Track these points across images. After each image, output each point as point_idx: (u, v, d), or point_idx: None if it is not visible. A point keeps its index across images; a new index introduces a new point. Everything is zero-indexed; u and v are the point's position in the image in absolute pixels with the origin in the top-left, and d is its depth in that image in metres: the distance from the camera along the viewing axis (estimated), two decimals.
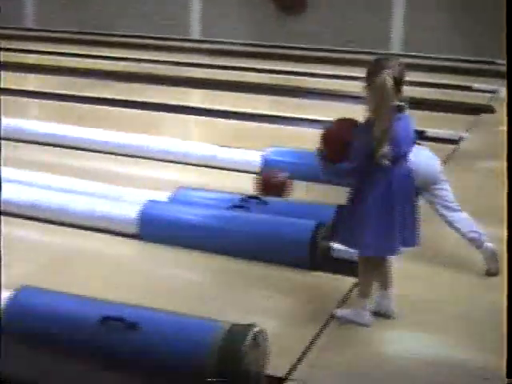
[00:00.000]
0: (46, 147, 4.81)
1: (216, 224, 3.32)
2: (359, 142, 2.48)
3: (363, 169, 2.50)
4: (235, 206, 3.44)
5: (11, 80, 7.21)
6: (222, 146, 4.70)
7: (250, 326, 2.24)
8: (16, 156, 4.54)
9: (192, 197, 3.61)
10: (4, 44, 9.49)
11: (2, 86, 6.08)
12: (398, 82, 2.48)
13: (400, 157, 2.52)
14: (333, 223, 3.10)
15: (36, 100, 6.61)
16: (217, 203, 3.51)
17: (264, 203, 3.45)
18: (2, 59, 8.18)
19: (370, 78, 2.49)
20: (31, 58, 8.66)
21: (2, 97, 6.41)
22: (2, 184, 3.73)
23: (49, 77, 7.63)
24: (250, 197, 3.51)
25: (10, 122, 5.11)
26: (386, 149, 2.43)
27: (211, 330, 2.23)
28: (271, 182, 3.84)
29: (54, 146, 4.83)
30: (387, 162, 2.45)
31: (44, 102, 6.51)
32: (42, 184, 3.84)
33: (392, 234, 2.55)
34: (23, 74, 7.69)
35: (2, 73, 7.52)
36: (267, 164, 4.27)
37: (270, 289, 2.98)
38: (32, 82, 7.58)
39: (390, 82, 2.43)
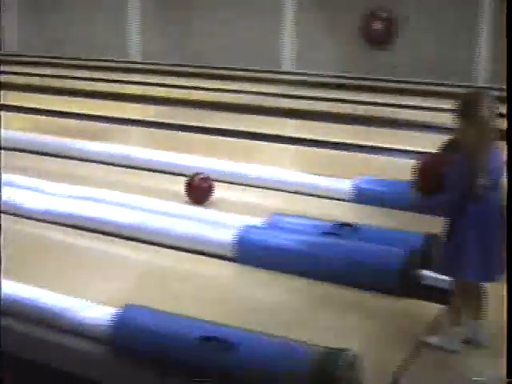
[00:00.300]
0: (151, 173, 4.91)
1: (309, 250, 3.31)
2: (456, 174, 2.45)
3: (459, 199, 2.48)
4: (327, 233, 3.45)
5: (117, 108, 7.43)
6: (313, 174, 4.71)
7: (344, 350, 2.22)
8: (123, 181, 4.69)
9: (285, 223, 3.62)
10: (111, 75, 9.82)
11: (112, 115, 6.27)
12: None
13: (494, 186, 2.49)
14: (427, 251, 3.08)
15: (141, 128, 6.76)
16: (309, 229, 3.51)
17: (355, 230, 3.45)
18: (108, 90, 8.46)
19: (466, 111, 2.46)
20: (137, 89, 8.86)
21: (112, 125, 6.63)
22: (114, 208, 3.85)
23: (154, 107, 7.80)
24: (342, 224, 3.50)
25: (118, 149, 5.28)
26: (483, 180, 2.40)
27: (306, 353, 2.23)
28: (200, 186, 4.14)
29: (158, 171, 4.92)
30: (484, 192, 2.42)
31: (149, 130, 6.65)
32: (146, 207, 3.93)
33: (491, 260, 2.51)
34: (129, 103, 7.89)
35: (111, 102, 7.75)
36: (358, 192, 4.27)
37: (360, 314, 2.95)
38: (137, 110, 7.75)
39: (493, 116, 2.40)
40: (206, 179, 4.21)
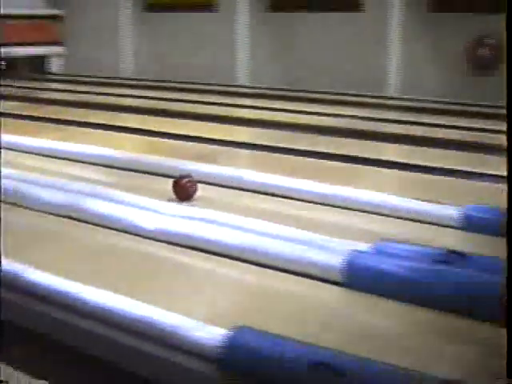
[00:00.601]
0: (260, 195, 4.89)
1: (418, 276, 3.19)
2: None
3: None
4: (437, 260, 3.33)
5: (226, 131, 7.49)
6: (418, 200, 4.58)
7: (459, 382, 2.12)
8: (232, 202, 4.70)
9: (393, 248, 3.54)
10: (220, 99, 9.93)
11: (221, 138, 6.31)
12: None
13: None
14: None
15: (249, 151, 6.77)
16: (418, 256, 3.40)
17: (464, 258, 3.31)
18: (217, 113, 8.55)
19: None
20: (245, 113, 8.92)
21: (221, 147, 6.67)
22: (223, 229, 3.84)
23: (261, 130, 7.83)
24: (452, 251, 3.38)
25: (228, 171, 5.28)
26: None
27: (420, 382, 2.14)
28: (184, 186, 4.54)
29: (267, 194, 4.90)
30: None
31: (256, 152, 6.66)
32: (255, 229, 3.90)
33: None
34: (238, 127, 7.94)
35: (220, 125, 7.81)
36: (469, 220, 4.11)
37: (465, 342, 2.81)
38: (245, 133, 7.80)
39: None
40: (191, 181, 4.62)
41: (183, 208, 4.12)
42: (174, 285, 3.33)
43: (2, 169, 5.20)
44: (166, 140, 7.04)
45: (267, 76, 11.92)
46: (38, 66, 14.14)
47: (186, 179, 4.60)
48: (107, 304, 2.70)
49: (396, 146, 7.45)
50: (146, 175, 5.40)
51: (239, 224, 3.91)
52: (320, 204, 4.63)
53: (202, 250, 3.68)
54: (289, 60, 11.81)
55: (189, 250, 3.70)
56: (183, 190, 4.56)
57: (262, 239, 3.72)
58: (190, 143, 6.87)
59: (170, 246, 3.74)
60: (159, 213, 4.03)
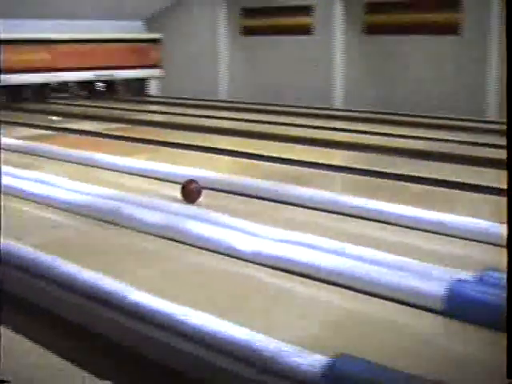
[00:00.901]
0: (355, 219, 4.83)
1: None
2: None
3: None
4: None
5: (319, 154, 7.45)
6: None
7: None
8: (327, 226, 4.66)
9: (497, 278, 3.41)
10: (314, 122, 9.91)
11: (314, 161, 6.26)
12: None
13: None
14: None
15: (343, 174, 6.71)
16: None
17: None
18: (311, 136, 8.52)
19: None
20: (339, 136, 8.87)
21: (314, 170, 6.63)
22: (319, 253, 3.81)
23: (356, 153, 7.77)
24: None
25: (322, 194, 5.24)
26: None
27: None
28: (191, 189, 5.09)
29: (363, 218, 4.84)
30: None
31: (350, 176, 6.60)
32: (352, 254, 3.84)
33: None
34: (332, 150, 7.90)
35: (312, 148, 7.79)
36: None
37: None
38: (339, 156, 7.75)
39: None
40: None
41: (281, 232, 4.09)
42: (272, 309, 3.31)
43: (102, 189, 5.33)
44: (261, 162, 7.07)
45: (362, 99, 11.85)
46: (137, 88, 14.51)
47: (193, 185, 5.13)
48: (207, 326, 2.70)
49: (493, 170, 7.24)
50: (242, 197, 5.43)
51: (337, 248, 3.86)
52: (418, 230, 4.53)
53: (300, 275, 3.64)
54: (384, 83, 11.71)
55: (287, 274, 3.68)
56: (191, 193, 5.08)
57: (361, 265, 3.66)
58: (285, 165, 6.87)
59: (269, 270, 3.73)
60: (258, 236, 4.02)
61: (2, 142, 8.00)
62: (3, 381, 2.45)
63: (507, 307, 2.16)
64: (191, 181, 5.17)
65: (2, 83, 12.53)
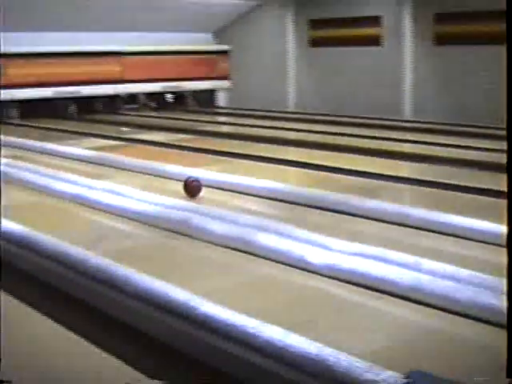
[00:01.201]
0: (427, 233, 4.75)
1: None
2: None
3: None
4: None
5: (389, 166, 7.36)
6: None
7: None
8: (399, 239, 4.59)
9: None
10: (383, 133, 9.80)
11: (383, 173, 6.18)
12: None
13: None
14: None
15: (413, 186, 6.61)
16: None
17: None
18: (380, 147, 8.44)
19: None
20: (408, 147, 8.77)
21: (384, 182, 6.55)
22: (390, 267, 3.74)
23: (424, 165, 7.65)
24: None
25: (393, 207, 5.16)
26: None
27: None
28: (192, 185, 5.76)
29: (432, 231, 4.75)
30: None
31: (420, 188, 6.49)
32: (423, 268, 3.77)
33: None
34: (402, 161, 7.80)
35: (380, 159, 7.71)
36: None
37: None
38: (407, 168, 7.65)
39: None
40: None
41: (354, 245, 4.04)
42: (341, 322, 3.27)
43: (172, 199, 5.37)
44: (329, 174, 7.01)
45: (432, 110, 11.69)
46: (205, 99, 14.63)
47: (193, 181, 5.82)
48: (279, 340, 2.66)
49: None
50: (312, 209, 5.39)
51: (411, 263, 3.79)
52: (492, 244, 4.42)
53: (370, 288, 3.59)
54: (455, 93, 11.53)
55: (358, 288, 3.63)
56: (192, 188, 5.74)
57: (432, 279, 3.58)
58: (353, 177, 6.81)
59: (340, 283, 3.69)
60: (331, 249, 3.98)
61: (73, 152, 8.18)
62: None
63: (507, 307, 2.13)
64: (192, 179, 5.84)
65: (74, 95, 12.81)
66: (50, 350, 2.98)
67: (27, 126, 11.78)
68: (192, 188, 5.73)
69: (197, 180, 5.81)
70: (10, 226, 4.44)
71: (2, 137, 9.58)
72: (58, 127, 11.36)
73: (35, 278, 3.91)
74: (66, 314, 3.38)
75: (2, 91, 11.86)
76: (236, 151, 8.33)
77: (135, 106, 14.08)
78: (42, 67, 12.40)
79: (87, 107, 13.33)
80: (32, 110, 12.60)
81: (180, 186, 5.81)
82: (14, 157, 7.85)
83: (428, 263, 3.83)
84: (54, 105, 12.86)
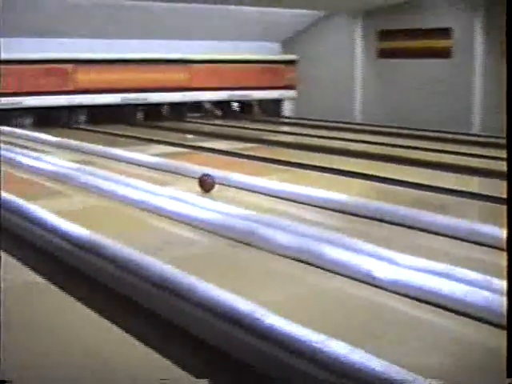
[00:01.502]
0: (495, 250, 4.62)
1: None
2: None
3: None
4: None
5: (454, 181, 7.23)
6: None
7: None
8: (468, 256, 4.48)
9: None
10: (450, 147, 9.63)
11: (453, 188, 6.07)
12: None
13: None
14: None
15: (481, 202, 6.45)
16: None
17: None
18: (448, 161, 8.29)
19: None
20: (475, 162, 8.60)
21: (453, 198, 6.43)
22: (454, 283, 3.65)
23: (491, 180, 7.45)
24: None
25: (462, 223, 5.03)
26: None
27: None
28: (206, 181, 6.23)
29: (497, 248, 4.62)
30: None
31: (487, 204, 6.33)
32: (496, 288, 3.67)
33: None
34: (465, 176, 7.66)
35: (444, 173, 7.57)
36: None
37: None
38: (476, 184, 7.50)
39: None
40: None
41: (420, 260, 3.95)
42: (406, 339, 3.19)
43: (236, 208, 5.36)
44: (391, 186, 6.92)
45: (501, 124, 11.43)
46: (271, 109, 14.66)
47: (207, 177, 6.29)
48: (343, 355, 2.62)
49: None
50: (374, 221, 5.31)
51: (480, 280, 3.69)
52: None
53: (438, 306, 3.50)
54: None
55: (422, 304, 3.55)
56: (205, 184, 6.20)
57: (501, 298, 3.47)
58: (415, 190, 6.69)
59: (405, 299, 3.61)
60: (395, 263, 3.90)
61: (140, 158, 8.27)
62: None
63: (507, 307, 2.12)
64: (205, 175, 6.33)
65: (140, 101, 12.98)
66: (115, 357, 2.99)
67: (95, 131, 11.98)
68: (206, 184, 6.20)
69: (209, 175, 6.32)
70: (77, 230, 4.50)
71: (72, 141, 9.77)
72: (125, 133, 11.51)
73: (100, 283, 3.94)
74: (130, 321, 3.39)
75: (71, 96, 12.09)
76: (301, 161, 8.29)
77: (201, 113, 14.20)
78: (111, 73, 12.59)
79: (154, 114, 13.49)
80: (100, 115, 12.82)
81: (242, 195, 5.82)
82: (83, 161, 7.98)
83: (499, 282, 3.73)
84: (122, 111, 13.04)
